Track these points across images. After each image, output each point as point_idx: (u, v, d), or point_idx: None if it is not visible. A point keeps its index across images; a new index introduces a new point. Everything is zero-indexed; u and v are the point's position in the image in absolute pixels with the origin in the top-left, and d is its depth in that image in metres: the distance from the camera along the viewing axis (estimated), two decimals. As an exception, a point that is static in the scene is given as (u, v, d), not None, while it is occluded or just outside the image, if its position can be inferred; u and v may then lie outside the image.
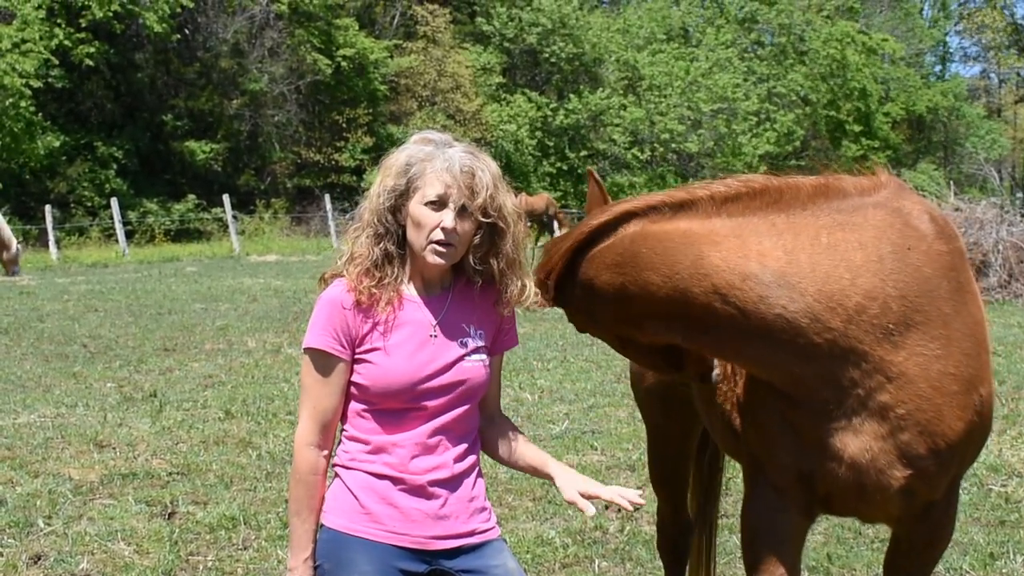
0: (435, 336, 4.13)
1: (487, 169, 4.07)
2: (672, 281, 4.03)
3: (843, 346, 3.97)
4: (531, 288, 4.25)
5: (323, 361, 4.12)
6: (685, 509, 6.25)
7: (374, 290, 4.08)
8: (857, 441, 4.05)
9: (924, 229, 4.19)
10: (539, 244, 46.04)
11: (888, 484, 4.11)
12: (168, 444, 10.64)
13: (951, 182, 57.70)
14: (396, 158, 4.12)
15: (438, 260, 4.04)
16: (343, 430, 4.23)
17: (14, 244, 29.97)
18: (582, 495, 4.21)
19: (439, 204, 4.00)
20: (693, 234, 4.06)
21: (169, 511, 8.51)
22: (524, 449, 4.37)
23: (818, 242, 4.04)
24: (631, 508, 4.16)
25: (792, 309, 3.94)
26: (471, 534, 4.18)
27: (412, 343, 4.11)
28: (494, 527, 4.27)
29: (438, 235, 4.00)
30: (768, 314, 3.95)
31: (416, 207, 4.02)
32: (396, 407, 4.11)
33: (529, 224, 44.29)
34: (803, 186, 4.20)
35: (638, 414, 11.24)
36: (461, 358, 4.15)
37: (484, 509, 4.25)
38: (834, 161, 74.77)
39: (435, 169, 4.02)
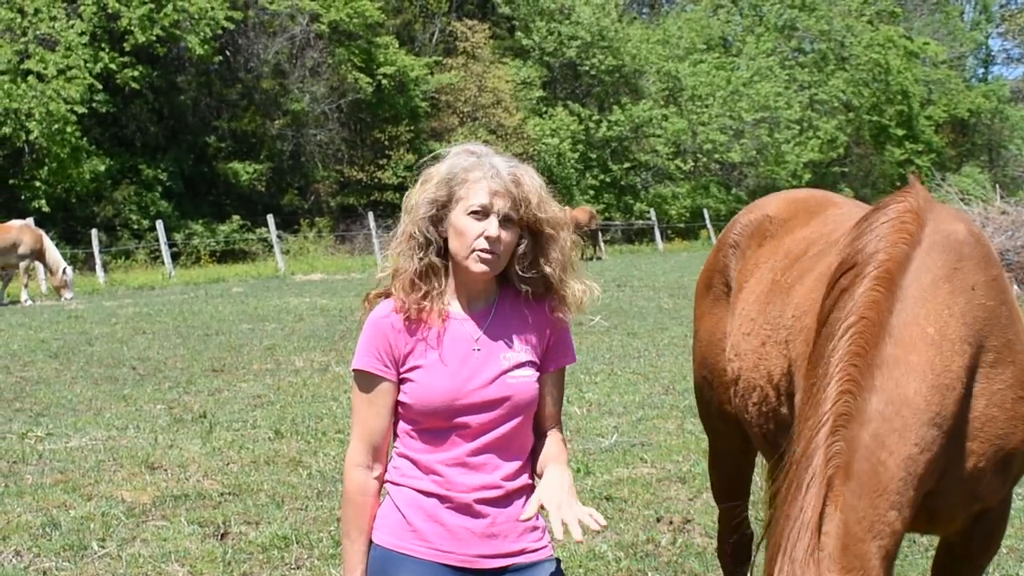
0: (478, 350, 4.12)
1: (531, 176, 4.08)
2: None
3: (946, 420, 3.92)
4: (593, 289, 4.23)
5: (368, 382, 4.14)
6: (746, 519, 6.24)
7: (422, 303, 4.09)
8: (938, 500, 4.01)
9: (977, 255, 4.16)
10: (584, 257, 46.14)
11: (958, 516, 4.12)
12: (219, 465, 10.67)
13: (996, 185, 57.28)
14: (437, 169, 4.12)
15: (482, 268, 4.03)
16: (394, 447, 4.23)
17: (61, 268, 30.19)
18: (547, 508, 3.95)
19: (482, 213, 3.99)
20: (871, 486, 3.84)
21: (222, 532, 8.53)
22: (544, 457, 4.24)
23: (911, 366, 3.91)
24: (596, 526, 3.83)
25: (942, 440, 3.87)
26: (520, 553, 4.15)
27: (454, 359, 4.10)
28: (546, 546, 4.22)
29: (482, 243, 3.99)
30: (939, 456, 3.88)
31: (459, 217, 4.02)
32: (441, 425, 4.10)
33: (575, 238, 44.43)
34: (869, 335, 3.98)
35: (687, 426, 11.26)
36: (505, 372, 4.12)
37: (536, 528, 4.21)
38: (877, 167, 74.66)
39: (478, 178, 4.01)
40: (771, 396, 4.88)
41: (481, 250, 4.00)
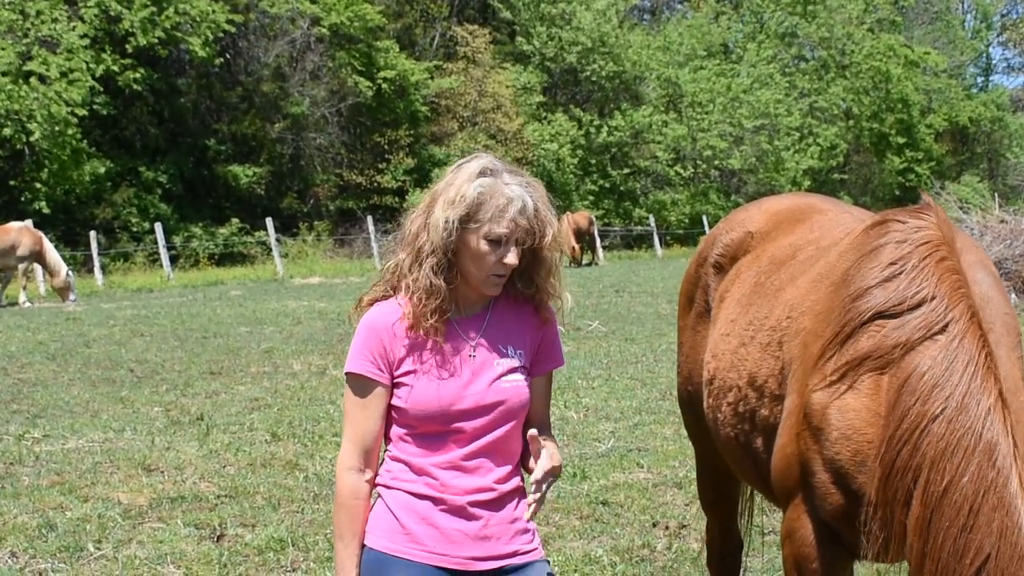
0: (473, 356, 4.15)
1: (544, 202, 4.11)
2: None
3: None
4: (568, 298, 4.28)
5: (361, 385, 4.15)
6: (735, 527, 6.24)
7: (434, 317, 4.08)
8: None
9: (1004, 296, 4.20)
10: (584, 263, 46.11)
11: None
12: (216, 467, 10.68)
13: (996, 194, 57.31)
14: (460, 192, 4.05)
15: (495, 291, 4.13)
16: (386, 450, 4.24)
17: (62, 271, 30.19)
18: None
19: (500, 242, 4.03)
20: None
21: (218, 534, 8.54)
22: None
23: None
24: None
25: None
26: (513, 555, 4.17)
27: (450, 365, 4.12)
28: (537, 548, 4.25)
29: (499, 269, 4.05)
30: None
31: (478, 241, 4.03)
32: (436, 429, 4.12)
33: (576, 244, 44.44)
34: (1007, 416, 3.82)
35: (684, 431, 11.23)
36: (498, 378, 4.14)
37: (527, 530, 4.23)
38: (877, 175, 74.68)
39: (499, 206, 4.02)
40: (751, 397, 4.81)
41: (497, 275, 4.08)
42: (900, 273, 4.08)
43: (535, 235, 4.06)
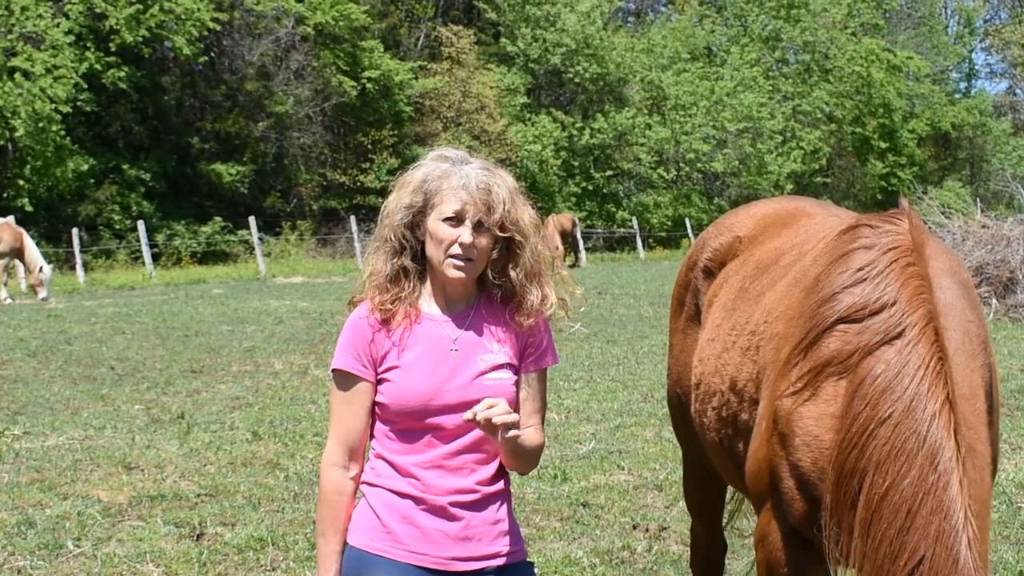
0: (455, 351, 4.16)
1: (503, 184, 4.12)
2: None
3: None
4: (552, 297, 4.26)
5: (346, 382, 4.17)
6: (720, 529, 6.25)
7: (390, 306, 4.13)
8: None
9: (971, 303, 4.17)
10: (568, 264, 46.10)
11: None
12: (196, 466, 10.66)
13: (978, 199, 57.47)
14: (412, 175, 4.18)
15: (457, 274, 4.09)
16: (371, 448, 4.25)
17: (38, 267, 30.06)
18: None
19: (456, 220, 4.05)
20: None
21: (198, 532, 8.51)
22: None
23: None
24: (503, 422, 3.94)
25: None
26: (494, 556, 4.17)
27: (430, 360, 4.13)
28: (519, 550, 4.26)
29: (456, 250, 4.05)
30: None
31: (434, 223, 4.08)
32: (417, 426, 4.13)
33: (560, 246, 44.42)
34: (952, 419, 3.78)
35: (665, 434, 11.27)
36: (482, 374, 4.15)
37: (509, 532, 4.23)
38: (859, 179, 74.78)
39: (452, 186, 4.07)
40: (732, 401, 4.83)
41: (455, 256, 4.07)
42: (865, 279, 4.08)
43: (491, 211, 4.07)
